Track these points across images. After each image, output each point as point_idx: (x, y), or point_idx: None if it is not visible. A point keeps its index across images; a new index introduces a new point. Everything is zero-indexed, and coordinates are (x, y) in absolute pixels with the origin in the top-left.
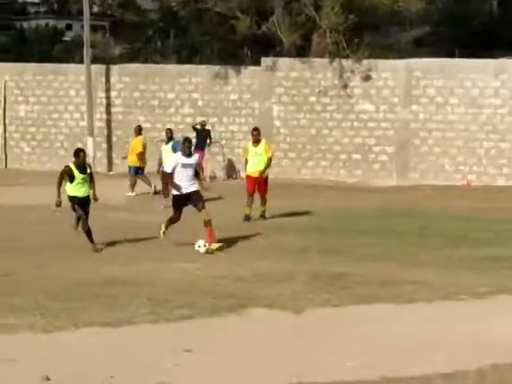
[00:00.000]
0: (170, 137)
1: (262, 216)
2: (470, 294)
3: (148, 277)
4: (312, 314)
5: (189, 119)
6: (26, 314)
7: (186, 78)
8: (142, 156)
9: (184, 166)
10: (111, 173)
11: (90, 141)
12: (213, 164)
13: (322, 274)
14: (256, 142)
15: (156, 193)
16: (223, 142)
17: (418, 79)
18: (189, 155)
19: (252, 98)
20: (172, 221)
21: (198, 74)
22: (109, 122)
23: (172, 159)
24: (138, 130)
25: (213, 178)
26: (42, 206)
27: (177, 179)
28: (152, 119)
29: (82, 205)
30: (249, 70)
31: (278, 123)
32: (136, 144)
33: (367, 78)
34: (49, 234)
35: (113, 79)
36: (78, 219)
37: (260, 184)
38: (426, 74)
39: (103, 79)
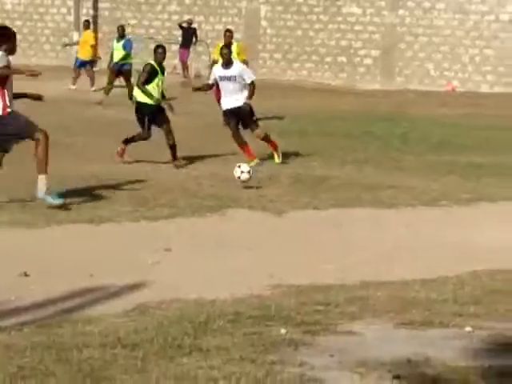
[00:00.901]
0: (121, 34)
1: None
2: (452, 201)
3: (132, 175)
4: (293, 216)
5: (175, 17)
6: (7, 210)
7: None
8: (94, 49)
9: (221, 78)
10: (95, 69)
11: (76, 36)
12: (198, 63)
13: (304, 177)
14: (227, 44)
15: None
16: (209, 41)
17: None
18: (227, 65)
19: None
20: (236, 139)
21: None
22: (95, 17)
23: (212, 71)
24: (87, 25)
25: (197, 76)
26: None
27: (222, 94)
28: (139, 16)
29: (155, 115)
30: None
31: (264, 23)
32: (87, 37)
33: None
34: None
35: None
36: (132, 139)
37: None
38: None
39: None
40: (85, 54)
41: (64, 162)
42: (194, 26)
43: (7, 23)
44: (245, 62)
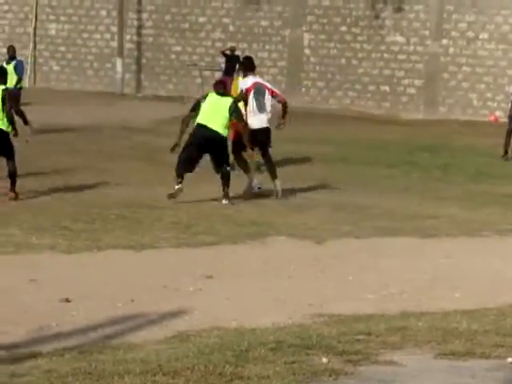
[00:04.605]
0: (11, 55)
1: (258, 168)
2: (493, 231)
3: (172, 200)
4: (333, 244)
5: (219, 44)
6: (48, 235)
7: (217, 3)
8: None
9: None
10: (139, 95)
11: (119, 62)
12: None
13: (346, 205)
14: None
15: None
16: None
17: (450, 13)
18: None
19: (283, 26)
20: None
21: None
22: (139, 43)
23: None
24: None
25: None
26: (70, 127)
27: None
28: (182, 42)
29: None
30: None
31: (307, 52)
32: None
33: (399, 9)
34: (72, 154)
35: (144, 1)
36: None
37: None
38: (458, 8)
39: (135, 0)
40: None
41: (105, 188)
42: (238, 53)
43: (51, 49)
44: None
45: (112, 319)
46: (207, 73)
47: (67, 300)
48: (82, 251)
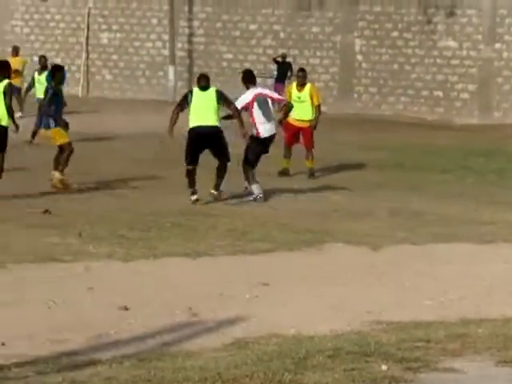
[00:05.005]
0: (44, 65)
1: (311, 175)
2: None
3: (226, 208)
4: (390, 250)
5: (270, 51)
6: (105, 243)
7: (268, 10)
8: (20, 75)
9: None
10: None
11: (171, 70)
12: None
13: (401, 211)
14: (301, 85)
15: None
16: None
17: (503, 17)
18: None
19: (334, 32)
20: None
21: (281, 6)
22: (190, 51)
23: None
24: (16, 51)
25: None
26: (123, 135)
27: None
28: (233, 50)
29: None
30: (332, 3)
31: (359, 57)
32: (15, 64)
33: (451, 14)
34: (126, 162)
35: (195, 9)
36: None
37: (304, 136)
38: (511, 11)
39: (186, 8)
40: (16, 81)
41: (159, 195)
42: (289, 60)
43: (103, 57)
44: (317, 109)
45: (169, 327)
46: (259, 80)
47: (125, 308)
48: (139, 259)
